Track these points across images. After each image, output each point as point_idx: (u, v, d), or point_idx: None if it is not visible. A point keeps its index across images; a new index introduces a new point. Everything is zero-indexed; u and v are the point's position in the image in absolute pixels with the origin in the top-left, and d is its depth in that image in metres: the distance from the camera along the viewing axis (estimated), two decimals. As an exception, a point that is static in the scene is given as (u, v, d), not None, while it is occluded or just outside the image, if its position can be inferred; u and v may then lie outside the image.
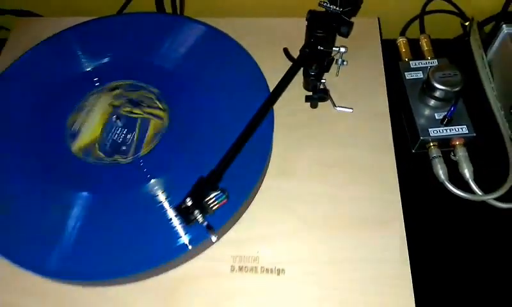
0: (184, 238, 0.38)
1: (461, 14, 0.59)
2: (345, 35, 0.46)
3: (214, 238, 0.37)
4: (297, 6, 0.53)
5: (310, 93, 0.46)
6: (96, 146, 0.45)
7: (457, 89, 0.45)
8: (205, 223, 0.36)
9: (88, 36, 0.53)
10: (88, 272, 0.38)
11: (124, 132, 0.45)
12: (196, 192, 0.36)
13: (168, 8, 0.63)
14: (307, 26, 0.46)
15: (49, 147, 0.45)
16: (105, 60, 0.51)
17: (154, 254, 0.38)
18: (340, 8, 0.45)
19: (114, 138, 0.45)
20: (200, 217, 0.35)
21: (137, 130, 0.45)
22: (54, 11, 0.65)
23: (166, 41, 0.51)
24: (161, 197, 0.41)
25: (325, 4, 0.46)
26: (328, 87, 0.48)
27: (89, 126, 0.46)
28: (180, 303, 0.38)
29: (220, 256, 0.40)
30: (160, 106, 0.46)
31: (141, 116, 0.46)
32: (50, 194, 0.42)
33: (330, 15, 0.46)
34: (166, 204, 0.40)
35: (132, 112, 0.47)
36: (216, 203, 0.36)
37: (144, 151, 0.44)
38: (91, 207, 0.40)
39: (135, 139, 0.45)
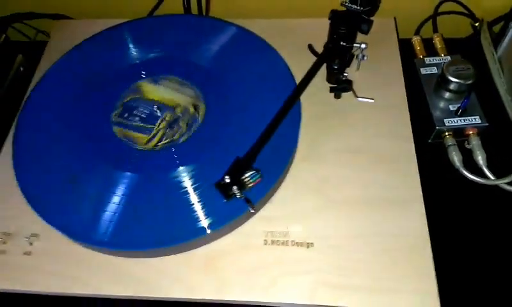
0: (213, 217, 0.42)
1: (471, 15, 0.62)
2: (366, 32, 0.49)
3: (252, 210, 0.40)
4: (315, 8, 0.57)
5: (334, 86, 0.50)
6: (136, 96, 0.51)
7: (470, 81, 0.49)
8: (243, 197, 0.39)
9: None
10: (135, 242, 0.41)
11: (139, 116, 0.49)
12: (233, 171, 0.40)
13: (194, 10, 0.66)
14: (330, 24, 0.50)
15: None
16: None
17: (194, 227, 0.41)
18: (360, 7, 0.48)
19: (138, 108, 0.50)
20: (237, 193, 0.38)
21: (141, 126, 0.48)
22: (84, 14, 0.69)
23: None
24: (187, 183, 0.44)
25: (347, 3, 0.49)
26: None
27: (159, 90, 0.51)
28: (218, 271, 0.41)
29: (254, 231, 0.43)
30: (163, 141, 0.48)
31: (155, 128, 0.48)
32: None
33: (351, 14, 0.49)
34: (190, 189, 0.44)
35: (160, 121, 0.49)
36: (251, 181, 0.39)
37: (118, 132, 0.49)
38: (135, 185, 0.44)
39: (132, 124, 0.49)
